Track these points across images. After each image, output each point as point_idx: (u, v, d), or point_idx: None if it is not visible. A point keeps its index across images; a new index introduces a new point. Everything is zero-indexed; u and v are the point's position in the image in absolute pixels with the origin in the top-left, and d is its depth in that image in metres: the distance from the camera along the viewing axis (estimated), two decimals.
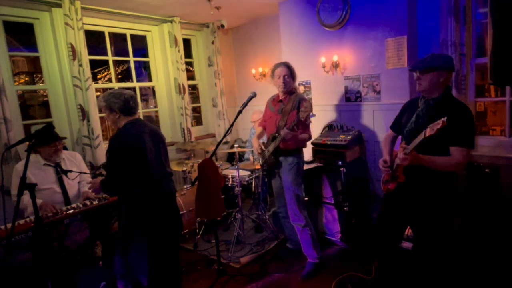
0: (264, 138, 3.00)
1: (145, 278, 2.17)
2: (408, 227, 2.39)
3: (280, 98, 2.76)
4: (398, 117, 2.21)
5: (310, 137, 2.72)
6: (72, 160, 2.68)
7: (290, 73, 2.68)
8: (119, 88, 2.88)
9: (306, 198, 3.05)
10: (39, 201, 2.36)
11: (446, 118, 1.57)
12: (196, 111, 5.15)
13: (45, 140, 2.42)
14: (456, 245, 2.60)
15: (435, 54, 1.93)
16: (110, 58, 4.02)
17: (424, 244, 2.06)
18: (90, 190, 2.17)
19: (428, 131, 1.63)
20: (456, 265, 2.47)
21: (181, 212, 3.24)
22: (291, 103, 2.65)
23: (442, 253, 2.07)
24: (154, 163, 2.02)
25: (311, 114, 2.41)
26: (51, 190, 2.49)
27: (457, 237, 2.62)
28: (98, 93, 3.76)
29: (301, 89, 3.89)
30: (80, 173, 2.58)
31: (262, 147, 2.83)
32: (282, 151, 2.67)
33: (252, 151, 3.79)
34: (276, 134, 2.66)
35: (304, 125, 2.56)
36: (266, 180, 3.05)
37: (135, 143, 1.93)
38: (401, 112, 2.19)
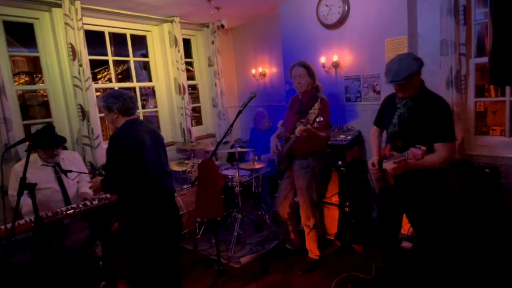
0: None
1: (145, 278, 2.17)
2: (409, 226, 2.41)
3: (300, 98, 2.71)
4: (379, 113, 2.29)
5: (328, 138, 2.62)
6: (71, 160, 2.68)
7: (307, 72, 2.59)
8: (119, 88, 2.88)
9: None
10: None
11: (425, 148, 1.67)
12: (196, 111, 5.14)
13: (43, 145, 2.41)
14: (456, 245, 2.60)
15: (402, 58, 1.89)
16: (110, 58, 4.02)
17: (424, 237, 2.10)
18: (90, 190, 2.17)
19: (411, 157, 1.74)
20: (457, 265, 2.46)
21: (181, 212, 3.24)
22: (310, 103, 2.54)
23: (443, 248, 2.12)
24: (153, 162, 2.02)
25: (318, 117, 2.28)
26: (51, 189, 2.49)
27: (457, 237, 2.62)
28: (98, 93, 3.76)
29: None
30: (80, 173, 2.58)
31: (279, 146, 2.77)
32: (297, 153, 2.63)
33: (253, 151, 3.79)
34: (291, 135, 2.60)
35: (323, 125, 2.45)
36: (279, 181, 2.99)
37: (134, 142, 1.94)
38: (381, 108, 2.26)
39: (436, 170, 1.91)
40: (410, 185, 1.99)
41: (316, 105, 2.25)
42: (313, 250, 2.80)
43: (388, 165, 1.89)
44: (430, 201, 1.99)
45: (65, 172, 2.48)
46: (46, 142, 2.39)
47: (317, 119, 2.25)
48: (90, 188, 2.14)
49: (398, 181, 2.01)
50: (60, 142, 2.49)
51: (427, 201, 1.99)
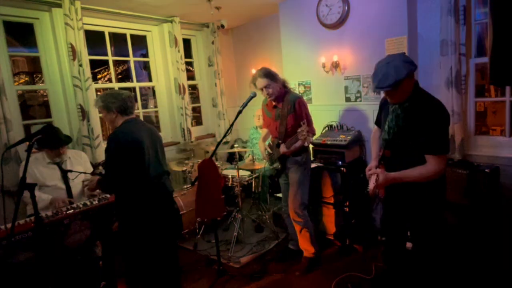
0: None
1: (145, 278, 2.17)
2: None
3: (274, 104, 2.72)
4: (378, 114, 2.18)
5: (313, 133, 2.64)
6: (77, 159, 2.72)
7: (270, 79, 2.56)
8: (119, 88, 2.88)
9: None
10: (49, 197, 2.40)
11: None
12: (196, 111, 5.14)
13: (49, 144, 2.45)
14: (456, 245, 2.60)
15: (391, 61, 1.66)
16: (110, 58, 4.02)
17: (421, 242, 2.04)
18: (85, 188, 2.18)
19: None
20: (457, 266, 2.47)
21: (181, 212, 3.25)
22: (286, 106, 2.60)
23: (440, 251, 2.06)
24: (151, 161, 2.03)
25: (304, 135, 2.25)
26: (55, 187, 2.52)
27: (457, 238, 2.62)
28: (98, 93, 3.76)
29: (301, 89, 3.88)
30: (80, 173, 2.58)
31: (269, 150, 2.80)
32: (289, 154, 2.65)
33: (252, 151, 3.79)
34: (280, 142, 2.65)
35: (307, 121, 2.41)
36: (276, 180, 3.02)
37: (133, 142, 1.94)
38: (379, 109, 2.15)
39: (431, 182, 1.72)
40: (404, 197, 1.88)
41: (304, 127, 2.23)
42: (307, 248, 2.79)
43: (371, 183, 1.76)
44: (427, 214, 1.86)
45: (65, 172, 2.49)
46: (52, 141, 2.43)
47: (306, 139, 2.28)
48: (85, 186, 2.15)
49: (390, 194, 1.96)
50: (66, 141, 2.55)
51: (423, 214, 1.87)
